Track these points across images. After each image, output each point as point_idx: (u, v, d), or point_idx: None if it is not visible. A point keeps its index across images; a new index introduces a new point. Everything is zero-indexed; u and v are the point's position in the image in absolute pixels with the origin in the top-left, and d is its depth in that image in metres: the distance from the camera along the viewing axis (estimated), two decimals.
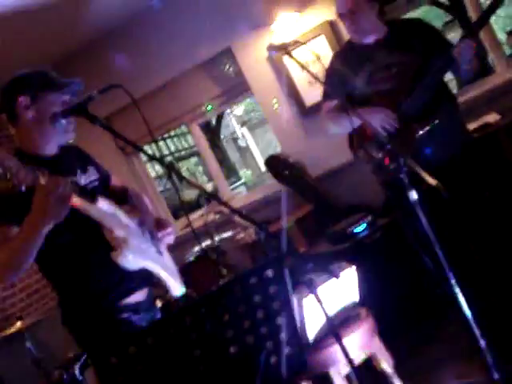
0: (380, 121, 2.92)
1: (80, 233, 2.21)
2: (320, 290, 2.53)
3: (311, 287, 1.83)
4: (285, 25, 4.93)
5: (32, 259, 2.10)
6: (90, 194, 2.23)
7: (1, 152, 1.85)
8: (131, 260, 2.22)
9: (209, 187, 13.17)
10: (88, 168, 2.43)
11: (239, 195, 6.32)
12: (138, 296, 2.36)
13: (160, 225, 2.53)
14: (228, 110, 14.10)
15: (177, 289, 2.47)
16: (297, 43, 2.88)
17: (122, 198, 2.53)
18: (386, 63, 3.01)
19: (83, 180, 2.35)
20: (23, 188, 1.86)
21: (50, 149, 2.30)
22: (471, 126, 4.11)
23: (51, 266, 2.28)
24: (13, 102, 2.21)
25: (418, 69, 2.91)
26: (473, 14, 4.84)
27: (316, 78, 2.69)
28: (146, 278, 2.35)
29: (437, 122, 2.88)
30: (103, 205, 2.25)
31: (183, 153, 17.46)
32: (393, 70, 2.99)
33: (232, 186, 15.28)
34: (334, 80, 3.18)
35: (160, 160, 2.16)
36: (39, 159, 2.23)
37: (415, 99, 2.90)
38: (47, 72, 2.31)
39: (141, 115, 2.29)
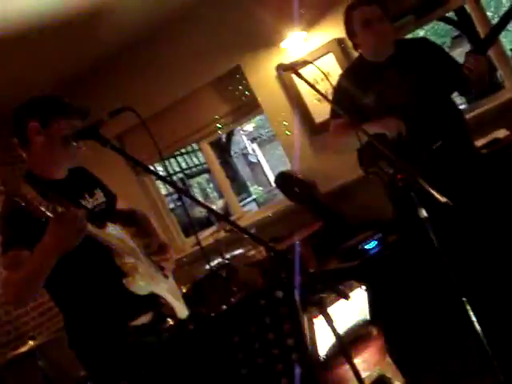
0: (394, 127, 2.92)
1: (88, 257, 2.22)
2: (330, 309, 2.52)
3: (321, 307, 1.83)
4: (294, 43, 4.97)
5: (42, 284, 2.12)
6: (99, 219, 2.25)
7: (21, 185, 1.88)
8: (142, 286, 2.24)
9: (220, 204, 13.19)
10: (95, 192, 2.47)
11: (250, 212, 6.32)
12: (144, 318, 2.36)
13: (160, 249, 2.55)
14: (238, 127, 14.16)
15: (182, 312, 2.49)
16: (305, 62, 2.90)
17: (128, 220, 2.54)
18: (394, 81, 3.02)
19: (90, 204, 2.38)
20: (43, 219, 1.90)
21: (60, 172, 2.34)
22: (480, 142, 4.11)
23: (58, 290, 2.29)
24: (24, 127, 2.24)
25: (425, 88, 2.92)
26: (480, 30, 4.85)
27: (324, 96, 2.70)
28: (152, 302, 2.36)
29: (439, 143, 2.89)
30: (112, 229, 2.27)
31: (194, 170, 17.50)
32: (401, 89, 3.00)
33: (243, 203, 15.30)
34: (342, 97, 3.19)
35: (168, 181, 2.17)
36: (49, 182, 2.27)
37: (420, 118, 2.91)
38: (57, 97, 2.36)
39: (150, 136, 2.33)
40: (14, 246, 2.13)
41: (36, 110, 2.28)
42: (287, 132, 5.21)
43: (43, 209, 1.87)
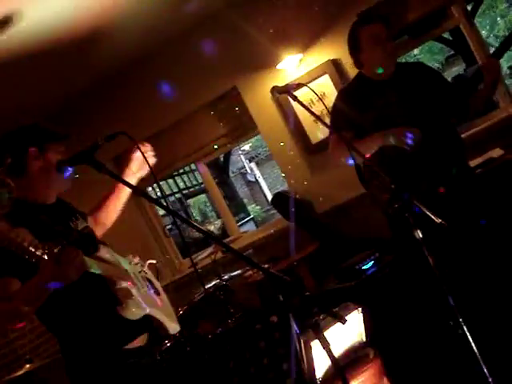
0: (403, 136, 2.89)
1: (81, 284, 2.21)
2: (326, 332, 2.51)
3: (317, 331, 1.83)
4: (289, 64, 5.01)
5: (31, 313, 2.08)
6: (92, 242, 2.26)
7: (10, 230, 1.84)
8: (135, 312, 2.24)
9: (218, 224, 13.19)
10: (77, 215, 2.49)
11: (247, 233, 6.32)
12: (139, 341, 2.36)
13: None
14: (235, 147, 14.22)
15: (173, 328, 2.50)
16: (299, 85, 2.92)
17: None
18: (393, 101, 3.05)
19: (79, 226, 2.39)
20: (33, 260, 1.86)
21: (51, 197, 2.37)
22: (476, 161, 4.13)
23: (52, 317, 2.27)
24: (21, 152, 2.26)
25: (426, 107, 2.95)
26: (475, 49, 4.90)
27: (318, 117, 2.72)
28: (146, 324, 2.36)
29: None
30: (105, 252, 2.28)
31: (192, 189, 17.53)
32: (400, 108, 3.02)
33: (241, 222, 15.30)
34: (340, 114, 3.19)
35: (161, 204, 2.17)
36: (40, 207, 2.29)
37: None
38: (46, 123, 2.39)
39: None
40: (2, 274, 2.11)
41: (32, 136, 2.30)
42: (281, 143, 5.22)
43: (38, 253, 1.85)
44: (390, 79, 3.11)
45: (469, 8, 5.04)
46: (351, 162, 3.05)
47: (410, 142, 2.87)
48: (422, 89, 3.04)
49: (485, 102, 3.12)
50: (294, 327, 1.73)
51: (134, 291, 2.27)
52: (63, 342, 2.31)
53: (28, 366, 4.13)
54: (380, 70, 3.12)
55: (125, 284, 2.25)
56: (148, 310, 2.32)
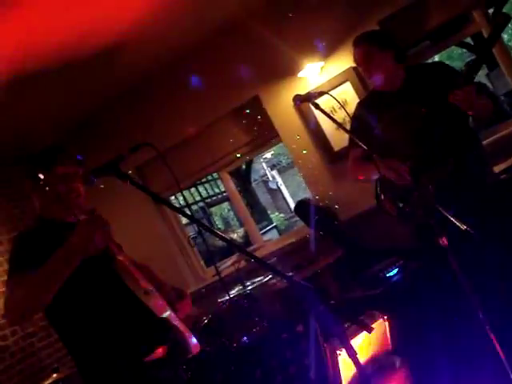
0: (393, 174, 2.92)
1: (98, 295, 2.24)
2: (353, 341, 2.50)
3: (343, 339, 1.82)
4: (311, 72, 5.02)
5: (54, 293, 2.11)
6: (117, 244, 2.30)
7: None
8: (162, 304, 2.24)
9: (241, 232, 13.20)
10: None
11: (270, 241, 6.32)
12: (160, 353, 2.35)
13: (178, 296, 2.58)
14: (257, 155, 14.25)
15: (194, 345, 2.47)
16: (321, 93, 2.92)
17: None
18: (402, 111, 3.04)
19: None
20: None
21: (71, 217, 2.38)
22: (500, 167, 4.08)
23: (69, 329, 2.29)
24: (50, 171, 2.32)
25: (442, 112, 2.91)
26: (497, 54, 4.86)
27: (340, 125, 2.72)
28: (165, 335, 2.34)
29: (451, 167, 2.89)
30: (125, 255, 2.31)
31: (215, 198, 17.57)
32: (408, 119, 3.00)
33: (264, 230, 15.28)
34: (358, 127, 3.22)
35: (184, 213, 2.19)
36: (63, 224, 2.34)
37: (426, 149, 2.90)
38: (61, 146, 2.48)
39: (169, 169, 2.37)
40: (24, 268, 2.15)
41: (59, 155, 2.40)
42: (304, 151, 5.22)
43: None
44: (399, 90, 3.10)
45: (490, 12, 4.98)
46: (369, 178, 3.06)
47: (398, 180, 2.90)
48: (438, 90, 2.91)
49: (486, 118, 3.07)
50: (319, 336, 1.73)
51: (156, 294, 2.28)
52: (79, 357, 2.32)
53: (55, 375, 4.12)
54: (379, 87, 3.14)
55: (147, 285, 2.26)
56: (169, 313, 2.31)
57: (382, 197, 3.13)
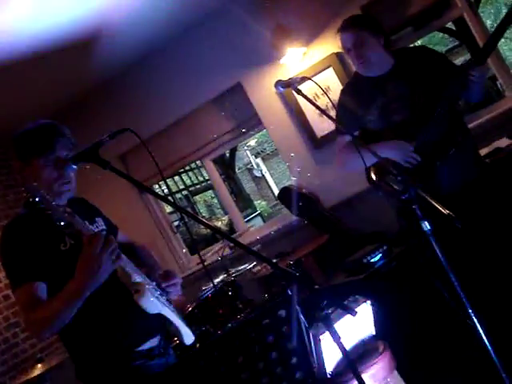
0: (402, 155, 2.93)
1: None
2: (336, 325, 2.51)
3: (328, 324, 1.81)
4: (293, 58, 4.99)
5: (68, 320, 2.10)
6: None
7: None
8: (153, 302, 2.22)
9: (226, 220, 13.19)
10: (96, 219, 2.47)
11: (254, 228, 6.31)
12: (151, 342, 2.35)
13: (166, 276, 2.54)
14: (241, 143, 14.22)
15: (189, 337, 2.48)
16: (303, 78, 2.90)
17: (128, 252, 2.53)
18: (396, 94, 3.02)
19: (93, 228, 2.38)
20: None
21: (61, 201, 2.33)
22: (483, 152, 4.10)
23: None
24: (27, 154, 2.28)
25: (429, 97, 2.92)
26: (479, 39, 4.86)
27: (323, 111, 2.70)
28: (158, 325, 2.35)
29: (453, 151, 2.90)
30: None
31: (199, 186, 17.53)
32: (404, 101, 3.00)
33: (248, 218, 15.29)
34: (345, 114, 3.19)
35: (168, 201, 2.17)
36: None
37: (431, 129, 2.90)
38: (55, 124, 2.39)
39: (151, 157, 2.33)
40: (27, 279, 2.12)
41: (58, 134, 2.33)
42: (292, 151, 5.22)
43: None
44: (390, 72, 3.09)
45: None
46: (356, 168, 3.04)
47: (408, 159, 2.92)
48: (427, 73, 2.98)
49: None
50: (302, 320, 1.72)
51: (149, 287, 2.26)
52: (72, 347, 2.31)
53: (40, 365, 4.10)
54: (365, 72, 3.12)
55: (140, 279, 2.24)
56: (163, 308, 2.30)
57: (380, 183, 3.10)
